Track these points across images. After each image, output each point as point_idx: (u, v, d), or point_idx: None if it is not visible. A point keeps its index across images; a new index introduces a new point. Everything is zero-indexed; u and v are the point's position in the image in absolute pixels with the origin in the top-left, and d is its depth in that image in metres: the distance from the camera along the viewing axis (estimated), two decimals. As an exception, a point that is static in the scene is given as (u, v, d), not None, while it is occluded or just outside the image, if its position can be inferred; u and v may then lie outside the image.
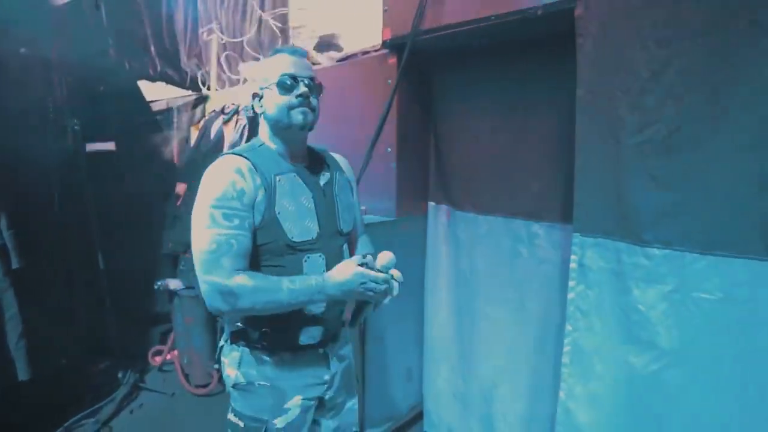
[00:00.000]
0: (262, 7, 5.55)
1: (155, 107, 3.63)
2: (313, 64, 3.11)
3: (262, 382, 1.25)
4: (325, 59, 3.22)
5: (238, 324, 1.25)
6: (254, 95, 1.25)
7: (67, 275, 2.54)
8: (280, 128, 1.24)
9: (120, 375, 2.77)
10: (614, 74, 1.41)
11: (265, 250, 1.19)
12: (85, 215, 2.63)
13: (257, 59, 3.32)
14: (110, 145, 2.85)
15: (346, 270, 1.13)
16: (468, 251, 2.16)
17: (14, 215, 2.26)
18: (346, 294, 1.15)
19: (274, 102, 1.21)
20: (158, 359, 3.06)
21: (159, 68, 4.20)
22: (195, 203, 1.17)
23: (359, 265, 1.14)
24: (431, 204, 2.32)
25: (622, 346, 1.48)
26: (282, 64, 1.21)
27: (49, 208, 2.53)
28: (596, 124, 1.47)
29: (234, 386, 1.27)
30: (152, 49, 4.10)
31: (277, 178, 1.20)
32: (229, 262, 1.11)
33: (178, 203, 3.05)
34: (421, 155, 2.27)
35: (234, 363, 1.27)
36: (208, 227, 1.12)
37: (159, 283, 2.80)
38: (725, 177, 1.26)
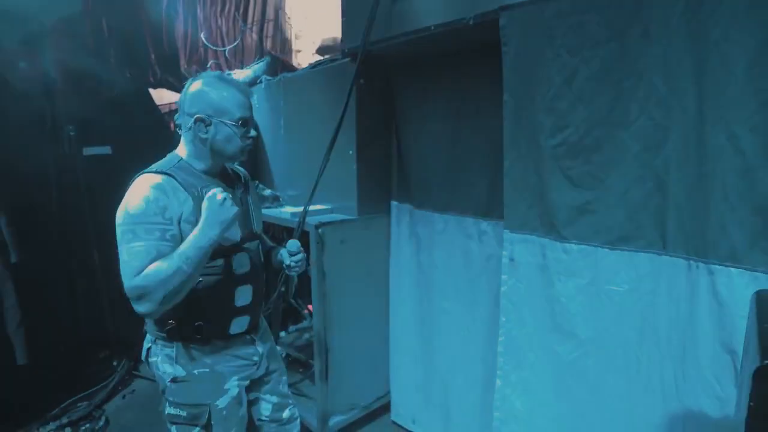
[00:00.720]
0: (262, 15, 5.75)
1: (156, 113, 3.83)
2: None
3: (201, 370, 1.37)
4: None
5: (171, 322, 1.31)
6: (200, 120, 1.28)
7: (65, 271, 2.75)
8: (220, 156, 1.35)
9: (115, 363, 2.97)
10: (533, 80, 1.50)
11: None
12: (81, 214, 2.83)
13: (240, 68, 3.48)
14: (106, 150, 3.04)
15: (203, 205, 1.24)
16: (427, 248, 2.26)
17: (13, 214, 2.47)
18: (212, 220, 1.21)
19: (227, 137, 1.31)
20: (152, 350, 3.26)
21: (159, 75, 4.41)
22: (117, 220, 1.22)
23: None
24: (394, 203, 2.43)
25: (549, 335, 1.58)
26: (239, 105, 1.31)
27: (47, 208, 2.74)
28: (520, 128, 1.57)
29: (173, 380, 1.35)
30: (152, 56, 4.32)
31: (203, 191, 1.28)
32: (141, 265, 1.16)
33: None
34: (383, 157, 2.38)
35: (170, 359, 1.36)
36: (129, 241, 1.18)
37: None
38: (627, 177, 1.34)
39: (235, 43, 3.79)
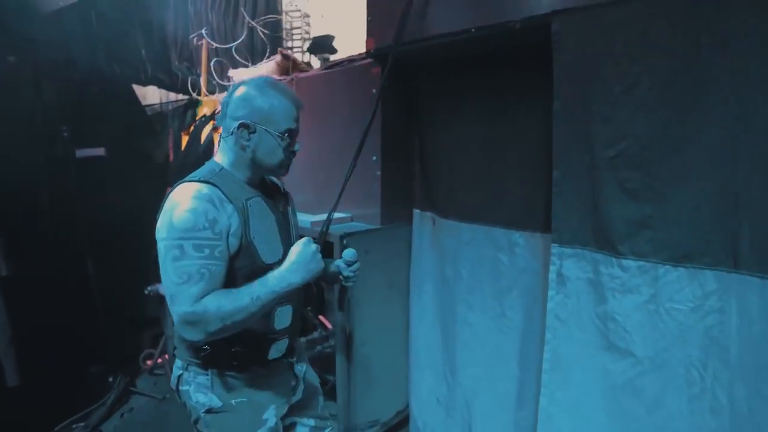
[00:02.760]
0: (253, 13, 5.57)
1: (148, 111, 3.64)
2: (306, 65, 3.13)
3: (239, 399, 1.27)
4: (319, 61, 3.24)
5: (206, 347, 1.21)
6: (244, 126, 1.19)
7: (57, 281, 2.55)
8: (259, 167, 1.26)
9: (111, 379, 2.79)
10: (589, 88, 1.44)
11: (240, 274, 1.19)
12: (74, 221, 2.64)
13: (246, 66, 3.33)
14: (100, 151, 2.86)
15: (294, 249, 1.19)
16: (452, 258, 2.18)
17: (2, 223, 2.27)
18: (301, 268, 1.17)
19: (270, 148, 1.22)
20: (149, 362, 3.08)
21: (150, 72, 4.22)
22: (160, 233, 1.12)
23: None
24: (416, 211, 2.35)
25: (600, 353, 1.52)
26: (288, 116, 1.23)
27: (39, 215, 2.54)
28: (572, 137, 1.50)
29: (208, 411, 1.25)
30: (143, 52, 4.12)
31: (248, 203, 1.21)
32: (198, 291, 1.08)
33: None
34: (406, 163, 2.29)
35: (204, 388, 1.25)
36: (177, 259, 1.08)
37: (149, 288, 2.82)
38: (695, 192, 1.29)
39: (239, 41, 3.62)
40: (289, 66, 2.66)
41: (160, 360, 3.04)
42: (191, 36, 4.11)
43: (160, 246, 1.11)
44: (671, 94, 1.30)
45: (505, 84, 1.90)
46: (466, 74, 2.02)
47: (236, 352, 1.23)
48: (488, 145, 1.99)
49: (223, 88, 3.31)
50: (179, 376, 1.30)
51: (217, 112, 3.00)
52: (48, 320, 2.44)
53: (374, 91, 2.09)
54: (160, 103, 3.88)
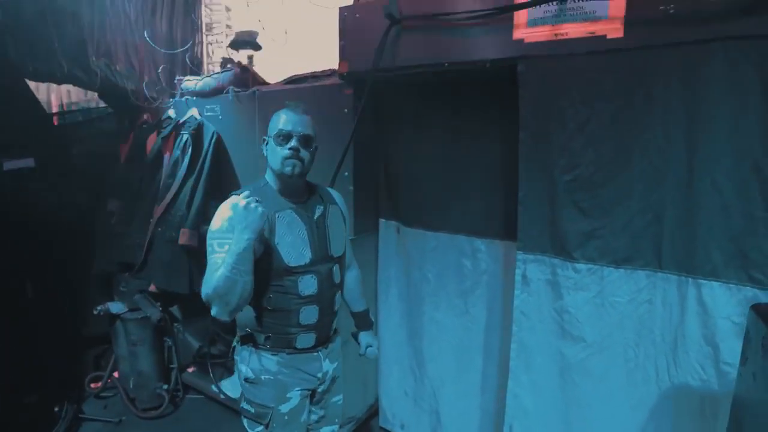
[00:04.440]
0: (172, 4, 5.24)
1: (75, 116, 3.35)
2: (231, 62, 3.09)
3: (267, 377, 1.51)
4: (242, 57, 3.19)
5: (247, 329, 1.51)
6: (263, 141, 1.50)
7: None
8: (276, 174, 1.46)
9: (57, 409, 2.59)
10: (550, 123, 1.73)
11: (266, 274, 1.42)
12: (8, 242, 2.40)
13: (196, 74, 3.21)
14: (29, 162, 2.60)
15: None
16: (419, 263, 2.41)
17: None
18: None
19: (272, 152, 1.46)
20: (98, 384, 2.91)
21: (66, 69, 3.82)
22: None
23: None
24: (382, 221, 2.53)
25: (557, 340, 1.84)
26: (280, 120, 1.46)
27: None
28: (535, 163, 1.79)
29: (245, 380, 1.53)
30: (57, 47, 3.72)
31: (276, 215, 1.44)
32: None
33: (113, 221, 2.90)
34: (374, 177, 2.46)
35: (245, 360, 1.53)
36: (209, 254, 1.37)
37: (99, 308, 2.66)
38: (630, 209, 1.64)
39: (183, 48, 3.43)
40: (249, 78, 2.65)
41: (110, 380, 2.88)
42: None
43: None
44: (612, 132, 1.63)
45: (466, 106, 2.13)
46: (429, 95, 2.22)
47: (268, 337, 1.49)
48: (451, 160, 2.23)
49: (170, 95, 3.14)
50: (233, 348, 1.61)
51: (164, 120, 2.88)
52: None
53: (346, 110, 2.22)
54: (94, 108, 3.55)
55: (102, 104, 3.68)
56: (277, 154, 1.42)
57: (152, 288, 2.70)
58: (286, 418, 1.52)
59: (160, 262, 2.65)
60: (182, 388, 2.93)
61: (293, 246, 1.45)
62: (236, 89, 2.61)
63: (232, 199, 1.38)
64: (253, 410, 1.52)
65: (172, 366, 2.89)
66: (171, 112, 2.89)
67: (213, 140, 2.67)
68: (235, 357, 1.59)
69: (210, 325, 2.83)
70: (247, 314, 1.47)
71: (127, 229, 2.81)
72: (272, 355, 1.50)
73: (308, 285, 1.47)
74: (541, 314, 1.87)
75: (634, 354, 1.71)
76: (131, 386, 2.78)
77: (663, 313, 1.64)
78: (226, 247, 1.32)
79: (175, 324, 2.95)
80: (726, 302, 1.51)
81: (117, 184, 2.97)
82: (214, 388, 2.78)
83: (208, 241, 1.38)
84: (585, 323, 1.77)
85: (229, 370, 2.96)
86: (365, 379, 2.56)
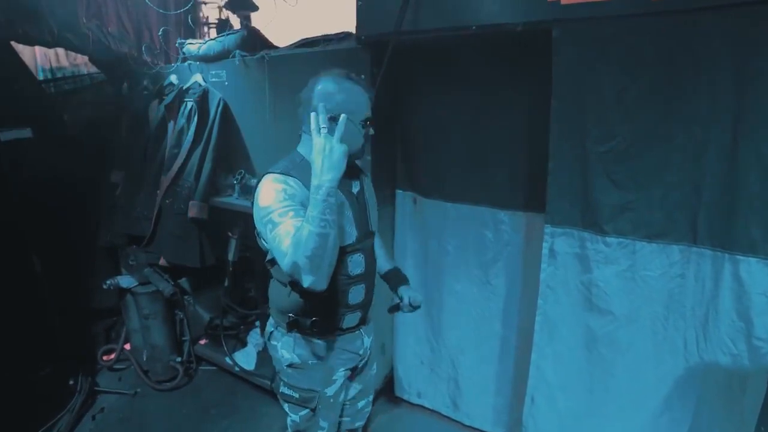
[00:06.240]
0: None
1: (70, 83, 3.18)
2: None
3: (314, 361, 1.48)
4: (238, 18, 3.02)
5: (291, 315, 1.43)
6: (332, 119, 1.24)
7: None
8: (347, 154, 1.26)
9: (72, 382, 2.58)
10: (584, 92, 1.65)
11: None
12: (13, 217, 2.31)
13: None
14: (26, 132, 2.48)
15: (315, 156, 1.18)
16: (437, 235, 2.37)
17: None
18: (326, 167, 1.16)
19: (353, 136, 1.33)
20: (111, 357, 2.90)
21: (56, 32, 3.61)
22: (256, 223, 1.29)
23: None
24: (399, 191, 2.47)
25: (584, 313, 1.83)
26: (364, 104, 1.37)
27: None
28: (567, 133, 1.72)
29: (290, 366, 1.49)
30: (45, 8, 3.50)
31: None
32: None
33: (117, 192, 2.81)
34: (391, 145, 2.37)
35: (289, 347, 1.48)
36: (271, 231, 1.22)
37: (108, 281, 2.61)
38: (666, 182, 1.59)
39: (184, 9, 3.21)
40: (256, 43, 2.50)
41: (122, 352, 2.88)
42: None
43: (261, 232, 1.28)
44: (652, 102, 1.56)
45: (492, 73, 2.02)
46: (454, 62, 2.11)
47: (315, 321, 1.42)
48: (474, 130, 2.14)
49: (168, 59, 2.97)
50: (270, 333, 1.55)
51: (165, 86, 2.74)
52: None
53: (363, 77, 2.11)
54: (88, 74, 3.38)
55: (94, 70, 3.50)
56: (357, 138, 1.35)
57: (162, 262, 2.64)
58: (331, 400, 1.53)
59: (169, 236, 2.58)
60: (195, 360, 2.94)
61: (339, 225, 1.32)
62: (243, 53, 2.46)
63: (274, 176, 1.28)
64: (297, 395, 1.49)
65: (184, 338, 2.88)
66: (173, 78, 2.74)
67: (220, 108, 2.55)
68: (273, 343, 1.53)
69: (221, 297, 2.80)
70: (293, 299, 1.40)
71: (131, 200, 2.72)
72: (318, 338, 1.47)
73: (357, 264, 1.43)
74: (567, 287, 1.85)
75: (662, 327, 1.71)
76: (144, 359, 2.77)
77: (695, 288, 1.63)
78: (291, 213, 1.19)
79: (185, 296, 2.91)
80: (763, 278, 1.49)
81: (119, 155, 2.86)
82: (227, 359, 2.77)
83: (263, 221, 1.23)
84: (614, 296, 1.76)
85: (241, 342, 2.96)
86: (382, 349, 2.57)
